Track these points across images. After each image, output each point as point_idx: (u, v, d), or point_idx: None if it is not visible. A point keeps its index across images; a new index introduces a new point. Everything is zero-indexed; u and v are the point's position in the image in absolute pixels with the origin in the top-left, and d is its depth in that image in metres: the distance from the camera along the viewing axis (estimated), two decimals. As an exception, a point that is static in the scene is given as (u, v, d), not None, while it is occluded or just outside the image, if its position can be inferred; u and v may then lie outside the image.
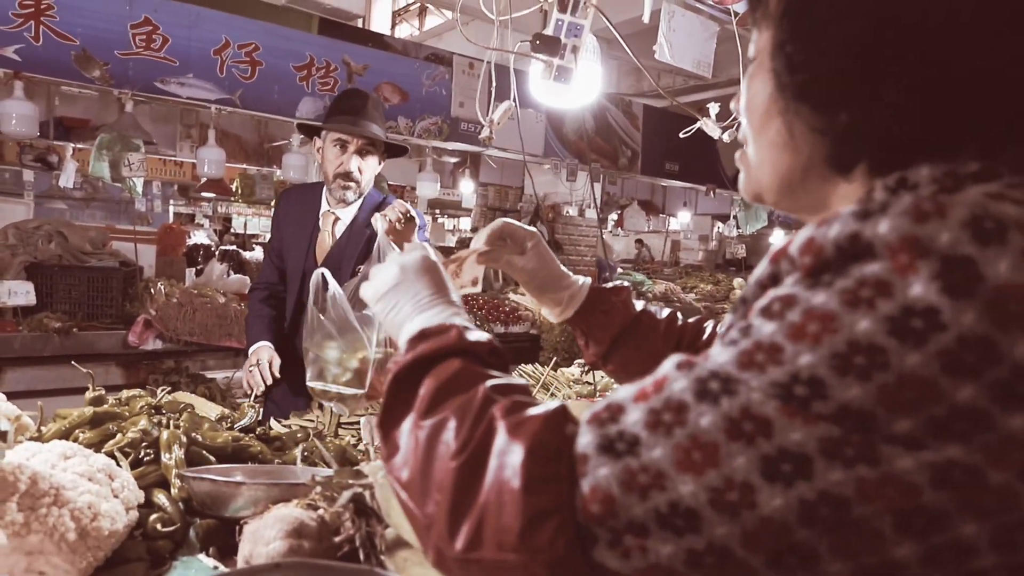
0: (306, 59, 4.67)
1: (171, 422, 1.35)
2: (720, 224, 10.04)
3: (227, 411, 1.66)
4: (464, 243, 6.97)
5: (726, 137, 2.12)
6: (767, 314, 0.48)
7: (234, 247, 7.43)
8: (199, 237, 6.84)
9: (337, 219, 2.30)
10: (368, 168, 2.24)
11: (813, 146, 0.58)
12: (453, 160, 6.65)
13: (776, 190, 0.63)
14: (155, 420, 1.38)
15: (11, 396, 3.42)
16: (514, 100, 1.75)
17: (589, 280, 1.07)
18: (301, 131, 2.76)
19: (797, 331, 0.46)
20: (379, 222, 1.47)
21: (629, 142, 6.66)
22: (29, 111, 4.11)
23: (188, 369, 3.71)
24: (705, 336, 1.02)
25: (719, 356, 0.49)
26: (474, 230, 7.46)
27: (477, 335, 0.67)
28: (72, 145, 6.22)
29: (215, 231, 9.32)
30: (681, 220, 9.58)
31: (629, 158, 6.68)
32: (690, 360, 0.51)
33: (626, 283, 1.08)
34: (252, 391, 2.09)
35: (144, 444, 1.28)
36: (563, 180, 6.43)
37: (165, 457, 1.26)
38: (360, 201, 2.30)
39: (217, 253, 6.41)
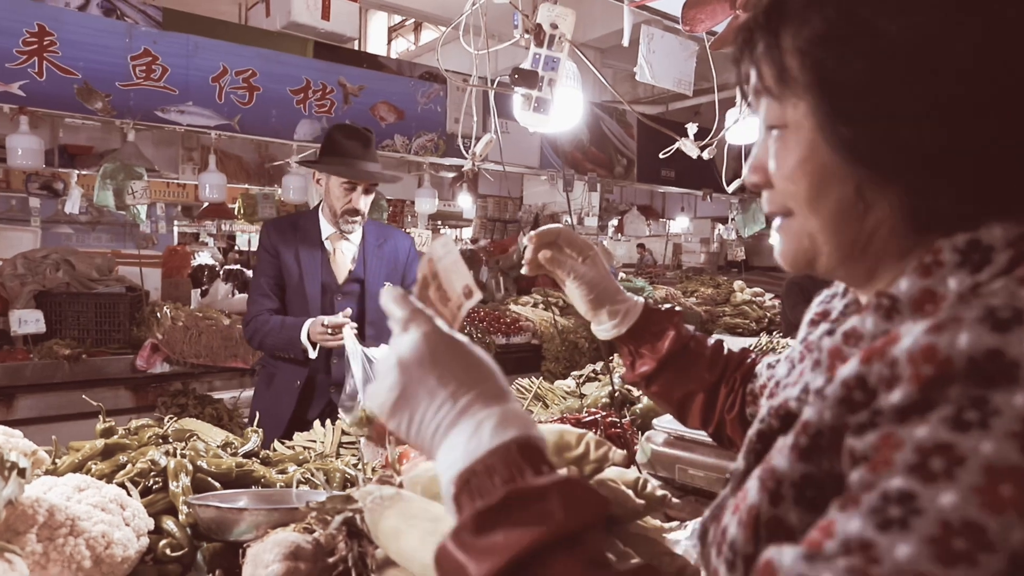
0: (302, 82, 4.78)
1: (178, 451, 1.43)
2: (720, 226, 10.06)
3: (231, 437, 1.73)
4: (464, 253, 7.04)
5: (706, 155, 2.19)
6: (926, 476, 0.40)
7: (238, 266, 7.53)
8: (203, 257, 6.94)
9: (344, 239, 2.47)
10: (369, 201, 2.43)
11: (885, 210, 0.56)
12: (451, 175, 6.74)
13: (839, 258, 0.59)
14: (162, 450, 1.46)
15: (24, 423, 3.51)
16: (496, 132, 1.83)
17: (642, 299, 1.07)
18: (305, 166, 2.88)
19: (990, 500, 0.37)
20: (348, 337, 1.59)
21: (624, 151, 6.72)
22: (35, 144, 4.23)
23: (195, 391, 3.78)
24: (749, 362, 1.01)
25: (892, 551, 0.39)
26: (474, 241, 7.54)
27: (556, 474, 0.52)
28: (77, 172, 6.34)
29: (219, 249, 9.43)
30: (681, 224, 9.62)
31: (625, 166, 6.74)
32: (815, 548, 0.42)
33: (678, 308, 1.07)
34: (340, 338, 2.12)
35: (153, 473, 1.36)
36: (560, 190, 6.48)
37: (173, 485, 1.33)
38: (362, 223, 2.49)
39: (222, 273, 6.50)
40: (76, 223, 8.50)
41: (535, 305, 5.46)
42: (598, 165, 6.55)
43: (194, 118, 4.40)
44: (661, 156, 2.26)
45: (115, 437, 1.53)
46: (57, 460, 1.43)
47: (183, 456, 1.41)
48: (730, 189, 2.32)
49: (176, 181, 7.10)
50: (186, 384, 3.80)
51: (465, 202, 6.79)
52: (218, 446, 1.62)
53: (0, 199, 8.12)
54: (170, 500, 1.33)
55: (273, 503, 1.29)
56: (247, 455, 1.61)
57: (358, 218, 2.38)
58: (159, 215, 8.48)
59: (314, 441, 2.03)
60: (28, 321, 3.77)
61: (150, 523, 1.24)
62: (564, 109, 1.87)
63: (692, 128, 2.18)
